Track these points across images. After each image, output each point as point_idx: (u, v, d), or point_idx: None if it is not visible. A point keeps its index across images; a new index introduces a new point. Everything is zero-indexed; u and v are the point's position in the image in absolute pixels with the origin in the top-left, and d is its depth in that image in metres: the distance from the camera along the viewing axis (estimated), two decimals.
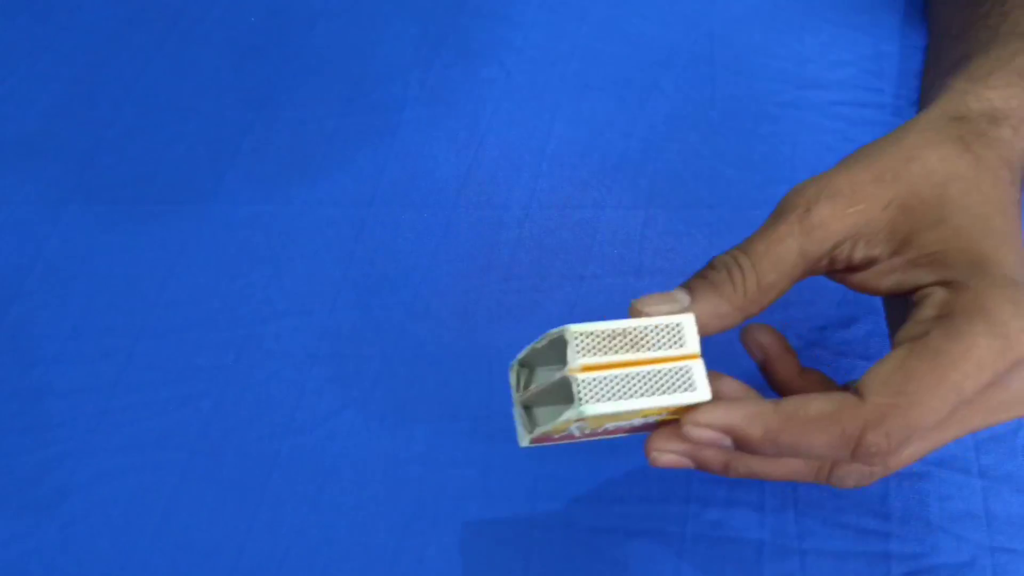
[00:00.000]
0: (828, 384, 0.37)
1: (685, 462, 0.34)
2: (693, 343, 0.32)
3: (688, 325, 0.32)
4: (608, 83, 0.52)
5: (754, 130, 0.51)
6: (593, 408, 0.30)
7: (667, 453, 0.33)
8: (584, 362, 0.31)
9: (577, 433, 0.33)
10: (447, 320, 0.45)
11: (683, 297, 0.33)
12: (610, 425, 0.33)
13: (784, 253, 0.33)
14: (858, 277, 0.35)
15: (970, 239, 0.32)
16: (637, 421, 0.33)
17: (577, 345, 0.31)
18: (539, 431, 0.32)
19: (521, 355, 0.33)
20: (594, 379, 0.31)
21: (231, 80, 0.53)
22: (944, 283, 0.32)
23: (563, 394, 0.32)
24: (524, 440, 0.33)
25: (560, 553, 0.40)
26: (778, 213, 0.35)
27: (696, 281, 0.34)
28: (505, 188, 0.49)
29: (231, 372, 0.44)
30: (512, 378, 0.34)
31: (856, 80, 0.53)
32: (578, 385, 0.31)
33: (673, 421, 0.34)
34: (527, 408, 0.34)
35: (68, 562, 0.39)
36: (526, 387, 0.34)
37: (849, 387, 0.32)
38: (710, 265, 0.34)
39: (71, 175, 0.50)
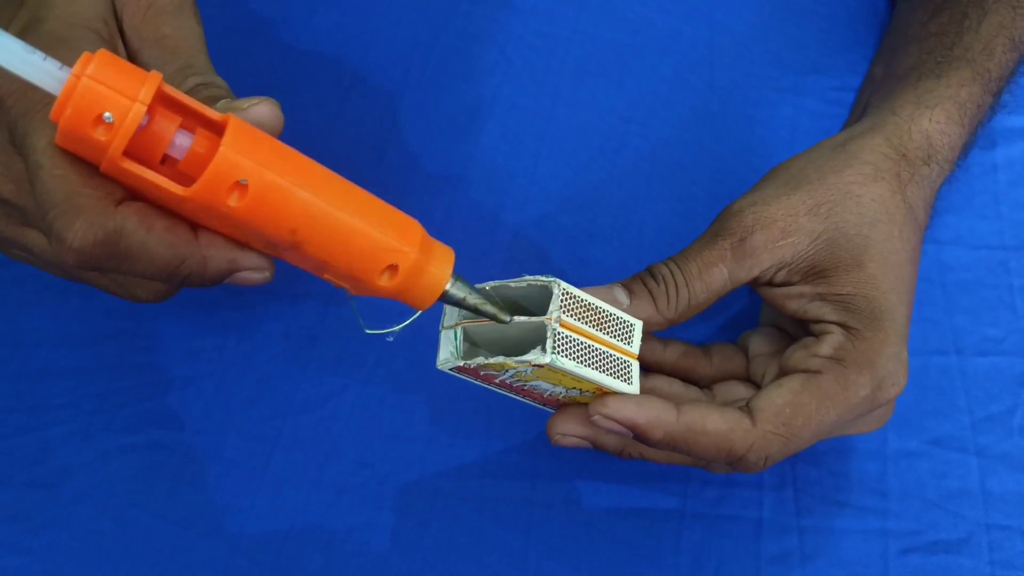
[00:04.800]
0: (689, 352, 0.41)
1: (585, 444, 0.37)
2: (637, 345, 0.36)
3: (638, 329, 0.36)
4: (608, 69, 0.52)
5: (753, 115, 0.51)
6: (560, 361, 0.32)
7: (570, 437, 0.36)
8: (564, 318, 0.33)
9: (501, 379, 0.35)
10: None
11: (623, 298, 0.37)
12: (541, 385, 0.35)
13: (715, 276, 0.37)
14: (767, 291, 0.38)
15: (877, 289, 0.36)
16: (559, 391, 0.35)
17: (561, 301, 0.33)
18: (479, 361, 0.33)
19: (490, 284, 0.34)
20: (567, 336, 0.33)
21: (231, 66, 0.53)
22: (844, 326, 0.36)
23: (521, 337, 0.33)
24: (449, 363, 0.34)
25: (560, 531, 0.40)
26: (713, 233, 0.38)
27: (636, 287, 0.37)
28: (505, 173, 0.49)
29: (233, 353, 0.44)
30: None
31: (855, 66, 0.53)
32: (555, 336, 0.32)
33: (573, 404, 0.36)
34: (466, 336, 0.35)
35: (72, 540, 0.39)
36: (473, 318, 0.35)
37: (741, 406, 0.36)
38: (650, 273, 0.38)
39: None
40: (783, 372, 0.37)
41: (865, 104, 0.48)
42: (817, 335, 0.37)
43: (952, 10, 0.45)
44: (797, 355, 0.37)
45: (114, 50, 0.33)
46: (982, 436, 0.41)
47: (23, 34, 0.31)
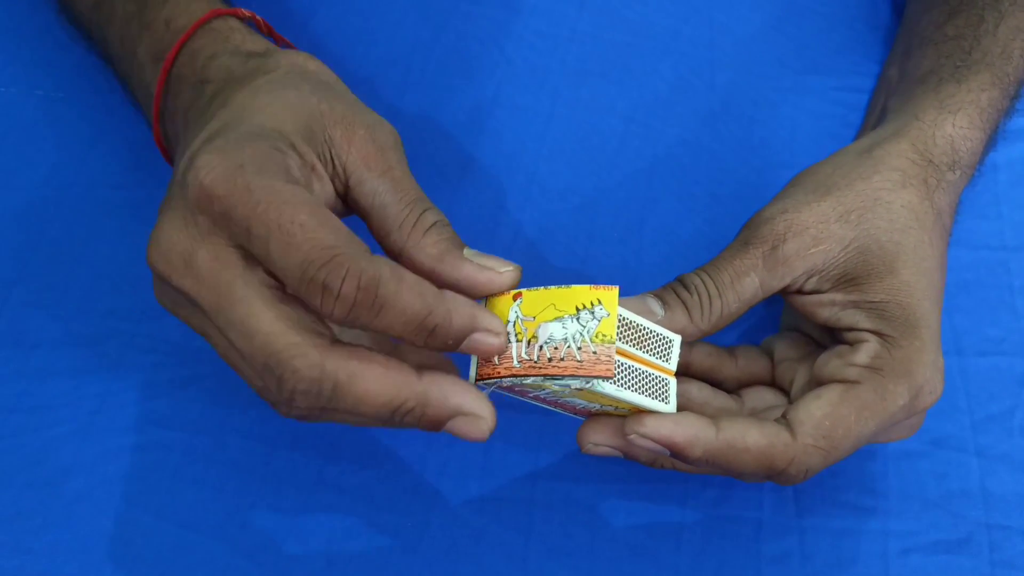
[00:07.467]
0: (714, 353, 0.40)
1: (616, 454, 0.36)
2: (674, 362, 0.35)
3: (677, 345, 0.35)
4: (608, 69, 0.53)
5: (753, 115, 0.51)
6: (601, 385, 0.31)
7: (602, 447, 0.36)
8: (617, 344, 0.32)
9: (535, 394, 0.34)
10: None
11: (657, 309, 0.36)
12: (576, 401, 0.34)
13: (747, 285, 0.36)
14: (797, 299, 0.38)
15: (911, 296, 0.36)
16: (593, 406, 0.35)
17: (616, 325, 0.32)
18: (515, 381, 0.32)
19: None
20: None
21: None
22: (879, 334, 0.36)
23: None
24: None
25: (560, 531, 0.40)
26: (743, 241, 0.37)
27: (670, 297, 0.37)
28: (506, 173, 0.49)
29: None
30: None
31: (855, 66, 0.53)
32: None
33: (604, 413, 0.35)
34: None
35: (72, 540, 0.39)
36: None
37: (778, 418, 0.35)
38: (682, 284, 0.37)
39: (73, 160, 0.50)
40: (817, 381, 0.37)
41: (882, 107, 0.48)
42: (851, 343, 0.36)
43: (968, 13, 0.45)
44: (832, 364, 0.36)
45: (309, 168, 0.34)
46: (982, 436, 0.41)
47: (213, 137, 0.33)
